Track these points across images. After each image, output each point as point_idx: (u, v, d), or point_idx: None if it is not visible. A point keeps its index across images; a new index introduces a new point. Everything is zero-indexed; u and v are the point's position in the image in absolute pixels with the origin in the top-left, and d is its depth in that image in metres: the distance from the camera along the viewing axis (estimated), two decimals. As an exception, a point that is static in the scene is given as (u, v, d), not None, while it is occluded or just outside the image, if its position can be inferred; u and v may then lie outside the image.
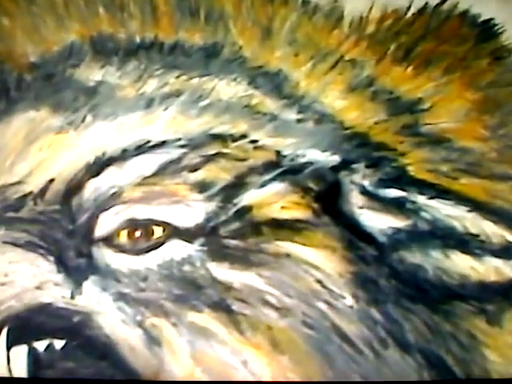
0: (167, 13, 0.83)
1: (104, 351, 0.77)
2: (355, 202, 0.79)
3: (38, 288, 0.77)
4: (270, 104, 0.81)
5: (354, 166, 0.80)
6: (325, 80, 0.82)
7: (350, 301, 0.78)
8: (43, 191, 0.78)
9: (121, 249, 0.78)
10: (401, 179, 0.80)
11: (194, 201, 0.78)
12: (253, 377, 0.77)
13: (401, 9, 0.84)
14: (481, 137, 0.81)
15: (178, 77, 0.81)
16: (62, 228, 0.78)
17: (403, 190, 0.79)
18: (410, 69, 0.83)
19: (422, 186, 0.79)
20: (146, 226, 0.78)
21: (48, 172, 0.78)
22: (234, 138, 0.79)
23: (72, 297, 0.77)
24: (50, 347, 0.77)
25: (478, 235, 0.79)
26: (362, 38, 0.83)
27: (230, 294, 0.77)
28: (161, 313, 0.77)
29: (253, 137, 0.79)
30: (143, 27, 0.82)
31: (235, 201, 0.79)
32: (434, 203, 0.79)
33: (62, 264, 0.78)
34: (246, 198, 0.79)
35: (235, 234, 0.78)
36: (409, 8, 0.85)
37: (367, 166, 0.80)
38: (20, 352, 0.77)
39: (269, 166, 0.79)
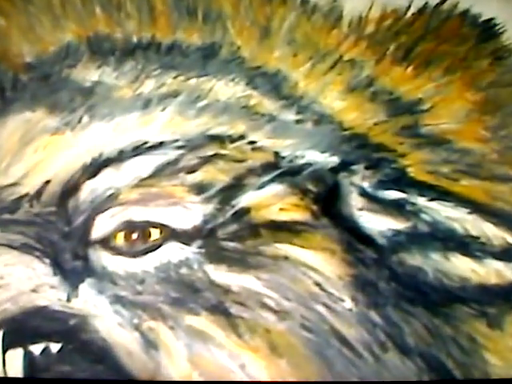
0: (164, 12, 0.83)
1: (100, 355, 0.76)
2: (354, 204, 0.79)
3: (34, 291, 0.77)
4: (269, 105, 0.80)
5: (354, 167, 0.79)
6: (324, 80, 0.81)
7: (349, 304, 0.77)
8: (39, 193, 0.77)
9: (117, 251, 0.77)
10: (400, 181, 0.79)
11: (191, 203, 0.78)
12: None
13: (400, 8, 0.84)
14: (481, 138, 0.81)
15: (175, 77, 0.81)
16: (58, 230, 0.77)
17: (403, 191, 0.79)
18: (409, 69, 0.82)
19: (422, 188, 0.79)
20: (143, 228, 0.77)
21: (44, 173, 0.78)
22: (232, 139, 0.79)
23: (68, 300, 0.77)
24: (45, 350, 0.77)
25: (478, 237, 0.78)
26: (362, 38, 0.83)
27: (227, 296, 0.77)
28: (158, 316, 0.77)
29: (251, 138, 0.79)
30: (140, 27, 0.82)
31: (233, 202, 0.78)
32: (434, 205, 0.79)
33: (58, 266, 0.77)
34: (244, 200, 0.78)
35: (233, 236, 0.78)
36: (408, 8, 0.84)
37: (366, 168, 0.79)
38: (16, 355, 0.77)
39: (267, 168, 0.79)
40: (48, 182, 0.77)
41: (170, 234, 0.77)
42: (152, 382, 0.76)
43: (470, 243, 0.78)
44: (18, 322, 0.76)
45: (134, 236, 0.77)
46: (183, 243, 0.77)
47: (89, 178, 0.77)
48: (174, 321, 0.76)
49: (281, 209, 0.78)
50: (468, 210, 0.78)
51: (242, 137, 0.79)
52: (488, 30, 0.85)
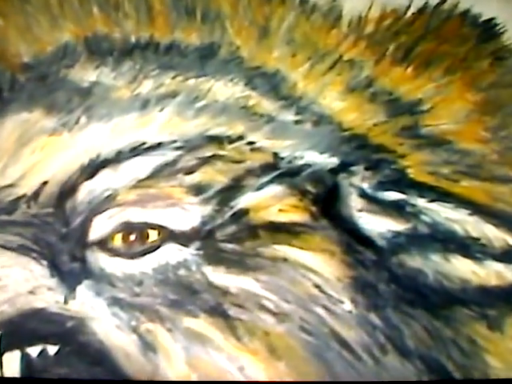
0: (163, 12, 0.82)
1: (98, 357, 0.76)
2: (354, 205, 0.79)
3: (31, 293, 0.76)
4: (268, 105, 0.80)
5: (353, 168, 0.79)
6: (323, 81, 0.81)
7: (348, 306, 0.77)
8: (36, 194, 0.77)
9: (115, 253, 0.77)
10: (400, 182, 0.79)
11: (189, 204, 0.77)
12: (250, 383, 0.76)
13: (400, 8, 0.84)
14: (482, 139, 0.81)
15: (173, 77, 0.80)
16: (55, 231, 0.77)
17: (403, 192, 0.79)
18: (409, 69, 0.82)
19: (422, 189, 0.79)
20: (141, 229, 0.77)
21: (41, 174, 0.77)
22: (231, 140, 0.79)
23: (65, 302, 0.76)
24: (43, 353, 0.76)
25: (478, 239, 0.78)
26: (361, 38, 0.83)
27: (226, 298, 0.77)
28: (156, 318, 0.76)
29: (250, 138, 0.79)
30: (138, 27, 0.82)
31: (232, 204, 0.78)
32: (434, 206, 0.78)
33: (55, 268, 0.77)
34: (243, 201, 0.78)
35: (232, 237, 0.77)
36: (408, 7, 0.84)
37: (366, 169, 0.79)
38: (13, 357, 0.76)
39: (266, 168, 0.78)
40: (45, 183, 0.77)
41: (168, 236, 0.77)
42: (150, 382, 0.76)
43: (471, 245, 0.78)
44: (15, 324, 0.76)
45: (132, 237, 0.77)
46: (181, 244, 0.77)
47: (86, 179, 0.77)
48: (172, 323, 0.76)
49: (280, 210, 0.78)
50: (468, 212, 0.78)
51: (240, 137, 0.79)
52: (488, 30, 0.85)
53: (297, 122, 0.80)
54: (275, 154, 0.79)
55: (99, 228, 0.77)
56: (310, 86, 0.81)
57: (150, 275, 0.77)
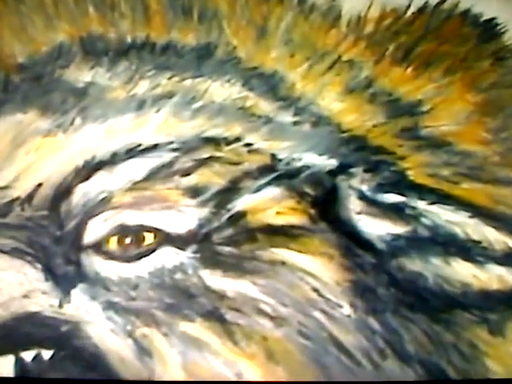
0: (159, 12, 0.82)
1: (93, 362, 0.75)
2: (353, 208, 0.78)
3: (26, 296, 0.76)
4: (265, 106, 0.79)
5: (352, 170, 0.79)
6: (322, 81, 0.81)
7: (347, 310, 0.76)
8: (31, 196, 0.76)
9: (110, 256, 0.76)
10: (400, 184, 0.78)
11: (186, 206, 0.77)
12: (247, 388, 0.75)
13: (400, 8, 0.84)
14: (483, 140, 0.80)
15: (170, 78, 0.80)
16: (49, 234, 0.76)
17: (402, 195, 0.78)
18: (409, 70, 0.82)
19: (422, 191, 0.78)
20: (137, 232, 0.76)
21: (36, 176, 0.77)
22: (228, 142, 0.78)
23: (60, 305, 0.76)
24: (37, 357, 0.76)
25: (479, 242, 0.77)
26: (361, 38, 0.82)
27: (223, 302, 0.76)
28: (151, 322, 0.76)
29: (247, 140, 0.78)
30: (134, 27, 0.81)
31: (229, 206, 0.77)
32: (435, 209, 0.78)
33: (49, 272, 0.76)
34: (240, 204, 0.77)
35: (229, 240, 0.77)
36: (408, 7, 0.84)
37: (365, 171, 0.79)
38: (7, 362, 0.75)
39: (264, 170, 0.78)
40: (40, 185, 0.76)
41: (164, 239, 0.76)
42: (146, 382, 0.75)
43: (471, 248, 0.77)
44: (9, 329, 0.75)
45: (128, 240, 0.77)
46: (178, 248, 0.76)
47: (81, 181, 0.77)
48: (168, 327, 0.75)
49: (278, 212, 0.78)
50: (469, 214, 0.78)
51: (237, 139, 0.78)
52: (489, 30, 0.84)
53: (295, 123, 0.79)
54: (273, 156, 0.78)
55: (94, 231, 0.76)
56: (309, 86, 0.80)
57: (146, 279, 0.76)
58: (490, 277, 0.77)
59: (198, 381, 0.75)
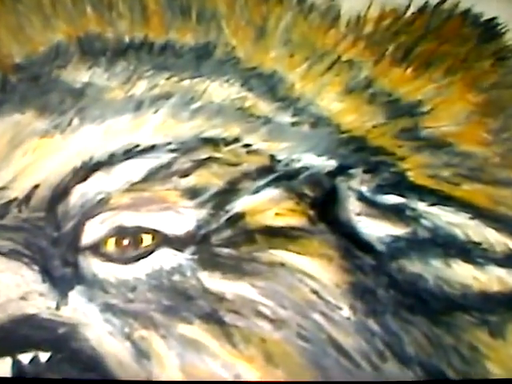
0: (157, 12, 0.82)
1: (90, 364, 0.75)
2: (352, 209, 0.78)
3: (23, 298, 0.75)
4: (264, 107, 0.79)
5: (351, 171, 0.78)
6: (321, 82, 0.80)
7: (346, 312, 0.76)
8: (28, 197, 0.76)
9: (108, 258, 0.76)
10: (400, 185, 0.78)
11: (184, 207, 0.76)
12: (246, 391, 0.75)
13: (400, 8, 0.83)
14: (483, 141, 0.80)
15: (168, 78, 0.80)
16: (47, 236, 0.76)
17: (402, 196, 0.78)
18: (409, 70, 0.82)
19: (422, 192, 0.78)
20: (135, 233, 0.76)
21: (33, 177, 0.76)
22: (227, 142, 0.78)
23: (57, 308, 0.75)
24: (34, 360, 0.75)
25: (480, 243, 0.77)
26: (360, 38, 0.82)
27: (221, 304, 0.75)
28: (150, 325, 0.75)
29: (246, 141, 0.78)
30: (132, 27, 0.81)
31: (227, 207, 0.77)
32: (435, 210, 0.77)
33: (47, 273, 0.76)
34: (239, 205, 0.77)
35: (227, 242, 0.76)
36: (408, 7, 0.84)
37: (365, 172, 0.78)
38: (4, 364, 0.75)
39: (262, 171, 0.78)
40: (37, 186, 0.76)
41: (163, 240, 0.76)
42: (145, 382, 0.75)
43: (472, 249, 0.77)
44: (6, 331, 0.75)
45: (126, 242, 0.76)
46: (176, 249, 0.76)
47: (79, 183, 0.76)
48: (166, 329, 0.75)
49: (276, 214, 0.77)
50: (469, 216, 0.77)
51: (236, 140, 0.78)
52: (490, 30, 0.84)
53: (294, 124, 0.79)
54: (272, 157, 0.78)
55: (92, 232, 0.76)
56: (308, 87, 0.80)
57: (144, 281, 0.76)
58: (490, 278, 0.76)
59: (197, 381, 0.75)
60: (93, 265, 0.76)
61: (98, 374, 0.75)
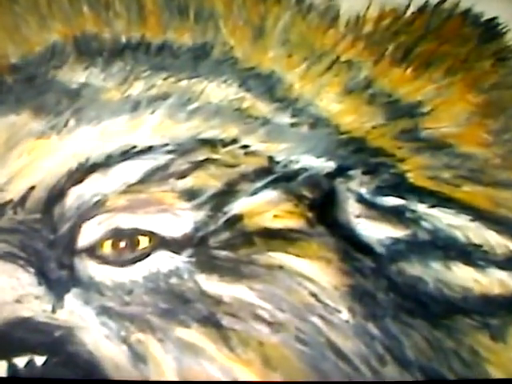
0: (155, 12, 0.81)
1: (87, 368, 0.74)
2: (352, 211, 0.77)
3: (18, 301, 0.75)
4: (262, 107, 0.79)
5: (351, 172, 0.78)
6: (320, 82, 0.80)
7: (346, 315, 0.75)
8: (23, 199, 0.76)
9: (104, 260, 0.75)
10: (400, 187, 0.77)
11: (181, 209, 0.76)
12: (243, 395, 0.74)
13: (400, 7, 0.83)
14: (484, 142, 0.80)
15: (165, 79, 0.79)
16: (42, 238, 0.76)
17: (402, 198, 0.77)
18: (409, 70, 0.81)
19: (422, 194, 0.77)
20: (131, 235, 0.76)
21: (29, 179, 0.76)
22: (224, 143, 0.77)
23: (53, 311, 0.75)
24: (30, 363, 0.75)
25: (481, 246, 0.76)
26: (359, 38, 0.82)
27: (219, 308, 0.75)
28: (146, 328, 0.75)
29: (244, 142, 0.77)
30: (129, 27, 0.81)
31: (225, 209, 0.76)
32: (435, 212, 0.77)
33: (42, 276, 0.75)
34: (237, 207, 0.76)
35: (225, 244, 0.76)
36: (408, 7, 0.83)
37: (364, 173, 0.78)
38: (-1, 368, 0.75)
39: (261, 173, 0.77)
40: (33, 187, 0.76)
41: (160, 243, 0.75)
42: (144, 382, 0.74)
43: (472, 252, 0.76)
44: (1, 334, 0.74)
45: (122, 244, 0.76)
46: (173, 252, 0.76)
47: (75, 184, 0.76)
48: (163, 333, 0.74)
49: (275, 216, 0.77)
50: (470, 218, 0.77)
51: (234, 141, 0.77)
52: (490, 30, 0.84)
53: (293, 125, 0.79)
54: (270, 158, 0.77)
55: (88, 234, 0.76)
56: (307, 87, 0.80)
57: (141, 283, 0.75)
58: (491, 281, 0.76)
59: (192, 381, 0.74)
60: (89, 267, 0.76)
61: (95, 378, 0.74)
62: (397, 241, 0.77)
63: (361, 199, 0.77)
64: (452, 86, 0.81)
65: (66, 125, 0.77)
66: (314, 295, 0.75)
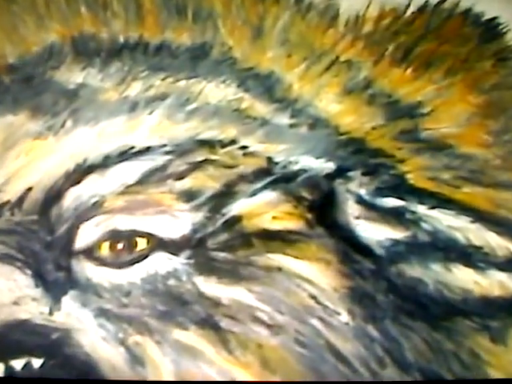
0: (153, 11, 0.81)
1: (84, 370, 0.74)
2: (351, 212, 0.77)
3: (15, 303, 0.74)
4: (261, 108, 0.78)
5: (350, 173, 0.77)
6: (319, 82, 0.79)
7: (345, 317, 0.75)
8: (21, 200, 0.75)
9: (102, 262, 0.75)
10: (399, 188, 0.77)
11: (180, 211, 0.76)
12: (242, 398, 0.74)
13: (399, 7, 0.83)
14: (484, 143, 0.79)
15: (163, 79, 0.79)
16: (40, 239, 0.75)
17: (402, 199, 0.77)
18: (409, 70, 0.81)
19: (422, 195, 0.77)
20: (129, 237, 0.75)
21: (26, 180, 0.76)
22: (223, 144, 0.77)
23: (50, 313, 0.74)
24: (27, 366, 0.74)
25: (481, 247, 0.76)
26: (359, 38, 0.81)
27: (217, 310, 0.75)
28: (144, 330, 0.74)
29: (243, 143, 0.77)
30: (127, 27, 0.80)
31: (224, 211, 0.76)
32: (435, 213, 0.76)
33: (40, 278, 0.75)
34: (236, 208, 0.76)
35: (224, 246, 0.75)
36: (408, 6, 0.83)
37: (364, 174, 0.77)
38: (-4, 370, 0.74)
39: (260, 174, 0.77)
40: (30, 189, 0.75)
41: (158, 244, 0.75)
42: (144, 382, 0.74)
43: (473, 253, 0.76)
44: (-1, 336, 0.74)
45: (120, 246, 0.75)
46: (171, 253, 0.75)
47: (72, 185, 0.75)
48: (161, 335, 0.74)
49: (274, 217, 0.76)
50: (470, 219, 0.76)
51: (233, 141, 0.77)
52: (491, 30, 0.83)
53: (292, 126, 0.78)
54: (269, 159, 0.77)
55: (85, 236, 0.75)
56: (306, 87, 0.79)
57: (139, 285, 0.75)
58: (491, 283, 0.76)
59: (190, 381, 0.74)
60: (86, 269, 0.75)
61: (92, 381, 0.74)
62: (396, 242, 0.76)
63: (360, 200, 0.77)
64: (452, 87, 0.81)
65: (63, 125, 0.77)
66: (313, 297, 0.75)
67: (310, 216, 0.77)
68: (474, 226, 0.76)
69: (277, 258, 0.76)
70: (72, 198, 0.75)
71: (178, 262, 0.75)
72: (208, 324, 0.74)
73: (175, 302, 0.75)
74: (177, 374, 0.74)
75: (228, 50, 0.80)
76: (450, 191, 0.77)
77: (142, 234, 0.75)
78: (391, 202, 0.77)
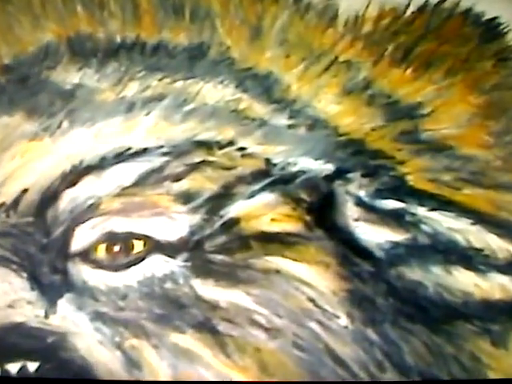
0: (150, 11, 0.80)
1: (80, 374, 0.74)
2: (350, 214, 0.76)
3: (10, 306, 0.74)
4: (259, 109, 0.78)
5: (349, 175, 0.77)
6: (318, 83, 0.79)
7: (344, 321, 0.75)
8: (16, 202, 0.75)
9: (98, 264, 0.75)
10: (399, 189, 0.77)
11: (177, 213, 0.75)
12: (240, 402, 0.74)
13: (399, 7, 0.82)
14: (485, 144, 0.79)
15: (160, 79, 0.78)
16: (35, 242, 0.75)
17: (402, 201, 0.76)
18: (409, 71, 0.81)
19: (422, 197, 0.76)
20: (126, 239, 0.75)
21: (21, 181, 0.75)
22: (221, 145, 0.76)
23: (46, 316, 0.74)
24: (22, 369, 0.74)
25: (482, 250, 0.76)
26: (358, 38, 0.81)
27: (215, 313, 0.74)
28: (141, 334, 0.74)
29: (241, 144, 0.77)
30: (124, 26, 0.80)
31: (221, 213, 0.76)
32: (435, 215, 0.76)
33: (35, 281, 0.74)
34: (234, 210, 0.76)
35: (221, 248, 0.75)
36: (408, 6, 0.83)
37: (363, 176, 0.77)
38: (-9, 374, 0.74)
39: (258, 175, 0.76)
40: (26, 190, 0.75)
41: (154, 247, 0.75)
42: (142, 382, 0.74)
43: (473, 256, 0.76)
44: (-6, 340, 0.74)
45: (116, 248, 0.75)
46: (168, 256, 0.75)
47: (68, 187, 0.75)
48: (158, 339, 0.74)
49: (272, 219, 0.76)
50: (471, 221, 0.76)
51: (231, 143, 0.77)
52: (491, 30, 0.83)
53: (290, 127, 0.78)
54: (267, 161, 0.77)
55: (82, 238, 0.75)
56: (305, 88, 0.79)
57: (135, 288, 0.74)
58: (492, 286, 0.75)
59: (188, 381, 0.74)
60: (82, 272, 0.75)
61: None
62: (396, 245, 0.76)
63: (360, 202, 0.77)
64: (452, 87, 0.80)
65: (59, 126, 0.77)
66: (311, 300, 0.75)
67: (308, 218, 0.76)
68: (474, 228, 0.76)
69: (275, 261, 0.75)
70: (68, 200, 0.75)
71: (175, 265, 0.75)
72: (205, 327, 0.74)
73: (172, 305, 0.74)
74: (174, 378, 0.73)
75: (226, 50, 0.80)
76: (451, 193, 0.77)
77: (138, 237, 0.75)
78: (391, 203, 0.76)
